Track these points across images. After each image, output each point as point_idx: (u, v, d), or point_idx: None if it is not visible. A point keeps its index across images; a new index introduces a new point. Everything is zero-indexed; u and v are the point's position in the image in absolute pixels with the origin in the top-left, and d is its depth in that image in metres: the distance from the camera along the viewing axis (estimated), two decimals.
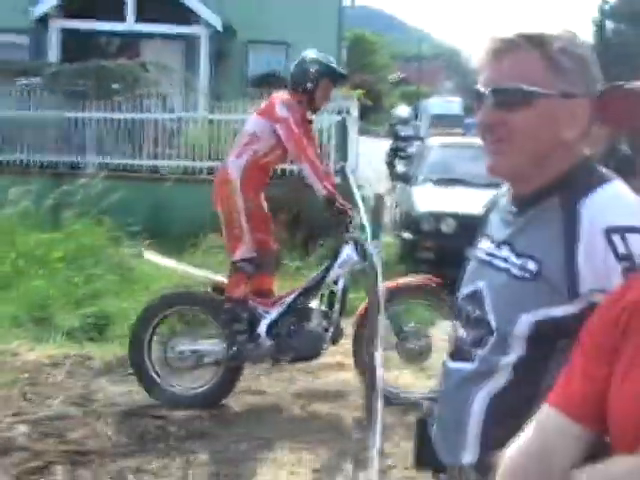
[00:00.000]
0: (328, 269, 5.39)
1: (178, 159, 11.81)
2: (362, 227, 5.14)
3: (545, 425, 1.28)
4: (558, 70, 1.59)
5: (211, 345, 5.50)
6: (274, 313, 5.40)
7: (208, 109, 12.47)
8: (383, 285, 4.97)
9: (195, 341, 5.52)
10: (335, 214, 5.18)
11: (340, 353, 6.03)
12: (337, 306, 5.35)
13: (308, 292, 5.43)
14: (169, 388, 5.46)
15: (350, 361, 5.83)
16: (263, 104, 5.65)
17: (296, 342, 5.35)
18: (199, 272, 6.02)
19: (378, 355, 4.36)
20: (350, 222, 5.22)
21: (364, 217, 5.15)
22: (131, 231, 8.99)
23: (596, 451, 1.23)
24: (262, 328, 5.36)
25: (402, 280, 5.58)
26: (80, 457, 4.54)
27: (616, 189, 1.59)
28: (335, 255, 5.38)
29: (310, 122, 5.66)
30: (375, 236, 5.07)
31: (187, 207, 10.50)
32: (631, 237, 1.50)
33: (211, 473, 4.40)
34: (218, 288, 5.52)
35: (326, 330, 5.34)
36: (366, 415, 5.03)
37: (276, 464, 4.55)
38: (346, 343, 5.65)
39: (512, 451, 1.30)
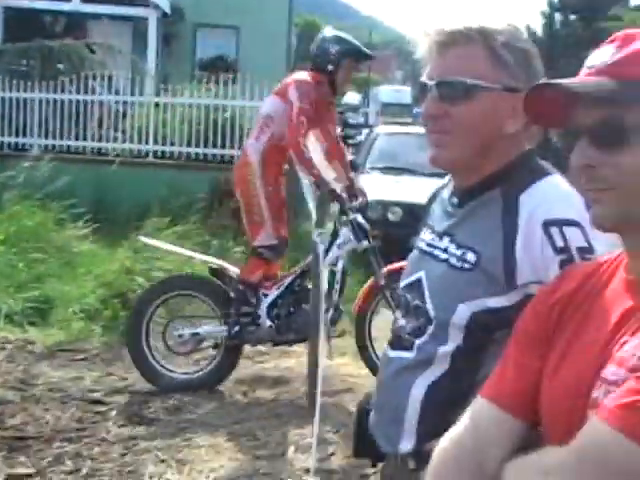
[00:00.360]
0: (327, 250, 5.36)
1: (124, 142, 11.67)
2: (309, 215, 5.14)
3: (478, 416, 1.30)
4: (501, 64, 1.62)
5: (210, 328, 5.45)
6: (273, 295, 5.38)
7: (155, 92, 12.33)
8: (384, 270, 5.11)
9: (194, 325, 5.49)
10: (329, 198, 5.15)
11: None
12: (336, 287, 5.29)
13: (306, 273, 5.40)
14: (167, 372, 5.41)
15: (294, 348, 5.85)
16: (280, 84, 5.55)
17: (295, 323, 5.34)
18: (197, 255, 5.97)
19: (321, 343, 4.38)
20: (345, 204, 5.19)
21: (311, 202, 5.14)
22: (75, 214, 8.86)
23: (531, 442, 1.25)
24: (262, 310, 5.34)
25: (402, 263, 5.52)
26: (18, 442, 4.48)
27: (555, 183, 1.62)
28: (333, 236, 5.35)
29: (331, 103, 5.57)
30: (320, 224, 5.08)
31: (133, 190, 10.40)
32: (568, 230, 1.53)
33: (151, 459, 4.37)
34: (216, 272, 5.48)
35: (326, 311, 5.31)
36: (308, 402, 5.05)
37: (217, 450, 4.54)
38: None
39: (445, 442, 1.32)
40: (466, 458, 1.27)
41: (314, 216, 5.11)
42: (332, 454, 4.47)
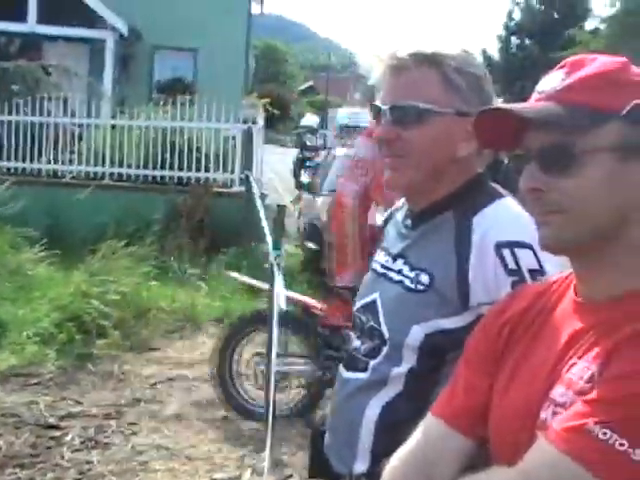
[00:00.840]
0: None
1: (80, 164, 11.58)
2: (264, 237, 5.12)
3: (428, 433, 1.31)
4: (453, 89, 1.64)
5: (297, 367, 5.37)
6: None
7: (112, 114, 12.28)
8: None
9: (282, 362, 5.32)
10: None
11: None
12: None
13: None
14: (252, 408, 5.34)
15: (250, 371, 5.81)
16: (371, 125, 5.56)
17: None
18: (282, 291, 5.85)
19: (273, 367, 4.35)
20: None
21: (266, 226, 5.13)
22: (31, 236, 8.77)
23: (479, 459, 1.26)
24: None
25: None
26: None
27: (507, 205, 1.64)
28: None
29: None
30: (276, 247, 5.07)
31: (89, 212, 10.31)
32: (520, 252, 1.55)
33: None
34: (307, 310, 5.41)
35: None
36: (265, 424, 5.03)
37: (174, 474, 4.50)
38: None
39: (395, 461, 1.32)
40: (414, 476, 1.28)
41: (269, 239, 5.11)
42: (290, 476, 4.46)
